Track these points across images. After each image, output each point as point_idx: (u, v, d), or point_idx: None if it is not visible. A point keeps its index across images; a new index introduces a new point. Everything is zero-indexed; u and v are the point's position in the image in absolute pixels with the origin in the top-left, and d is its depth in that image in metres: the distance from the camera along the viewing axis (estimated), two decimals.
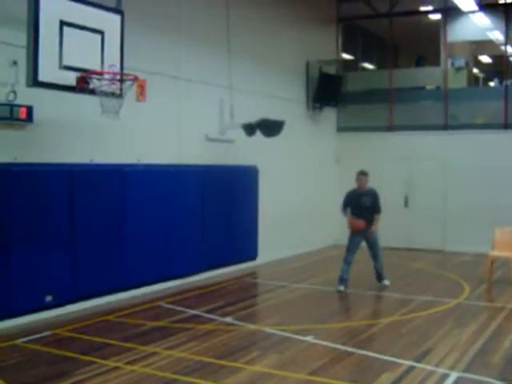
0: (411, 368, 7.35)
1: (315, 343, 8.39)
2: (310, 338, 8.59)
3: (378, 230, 12.26)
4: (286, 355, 7.87)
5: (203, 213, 12.74)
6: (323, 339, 8.52)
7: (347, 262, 12.10)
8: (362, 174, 12.24)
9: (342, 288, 11.86)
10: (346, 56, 20.75)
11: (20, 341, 8.43)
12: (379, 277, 12.38)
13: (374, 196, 12.19)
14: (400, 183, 17.95)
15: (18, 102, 9.10)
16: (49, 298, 9.58)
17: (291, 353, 7.98)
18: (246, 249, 14.26)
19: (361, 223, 11.90)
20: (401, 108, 18.64)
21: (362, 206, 12.02)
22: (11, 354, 7.87)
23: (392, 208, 17.19)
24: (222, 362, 7.54)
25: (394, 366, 7.40)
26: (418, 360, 7.64)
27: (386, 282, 12.32)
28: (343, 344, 8.31)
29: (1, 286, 8.86)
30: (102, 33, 9.09)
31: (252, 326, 9.38)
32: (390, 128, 18.47)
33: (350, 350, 8.08)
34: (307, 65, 17.42)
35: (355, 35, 21.56)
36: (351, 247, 12.15)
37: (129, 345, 8.26)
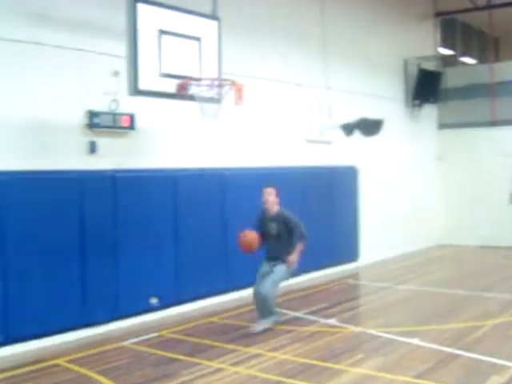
0: None
1: (420, 345, 8.20)
2: (415, 340, 8.41)
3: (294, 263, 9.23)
4: (391, 358, 7.74)
5: (304, 214, 12.68)
6: (429, 341, 8.33)
7: None
8: (266, 187, 9.31)
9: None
10: (444, 51, 20.31)
11: (127, 342, 8.66)
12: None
13: (282, 221, 9.18)
14: (504, 180, 17.32)
15: (121, 110, 9.38)
16: (154, 301, 9.80)
17: (396, 355, 7.84)
18: (347, 250, 14.17)
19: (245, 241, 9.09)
20: (504, 102, 18.02)
21: (268, 232, 9.29)
22: (119, 356, 8.08)
23: (495, 206, 16.71)
24: (326, 364, 7.48)
25: (503, 369, 7.13)
26: None
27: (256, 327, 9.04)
28: (449, 346, 8.09)
29: (109, 289, 9.15)
30: (199, 39, 9.21)
31: (356, 328, 9.28)
32: (493, 123, 17.89)
33: (457, 352, 7.85)
34: (405, 62, 17.15)
35: (454, 29, 21.06)
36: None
37: (232, 346, 8.33)
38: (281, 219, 9.16)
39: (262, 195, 9.26)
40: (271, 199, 9.21)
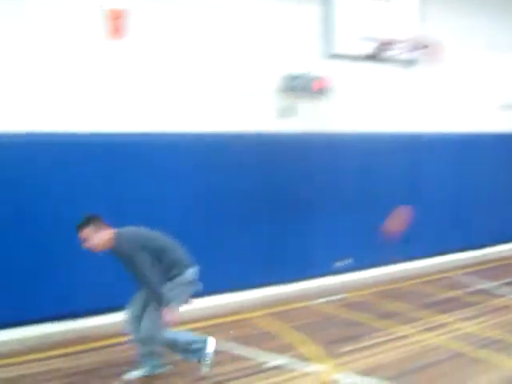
0: None
1: None
2: None
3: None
4: None
5: (498, 182, 12.18)
6: None
7: None
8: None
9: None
10: None
11: (315, 302, 8.88)
12: None
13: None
14: None
15: (316, 74, 9.46)
16: (344, 263, 9.89)
17: None
18: None
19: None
20: None
21: None
22: (306, 315, 8.33)
23: None
24: None
25: None
26: None
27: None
28: None
29: (304, 250, 9.41)
30: (396, 2, 9.05)
31: None
32: None
33: None
34: None
35: None
36: None
37: (420, 314, 8.27)
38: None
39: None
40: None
